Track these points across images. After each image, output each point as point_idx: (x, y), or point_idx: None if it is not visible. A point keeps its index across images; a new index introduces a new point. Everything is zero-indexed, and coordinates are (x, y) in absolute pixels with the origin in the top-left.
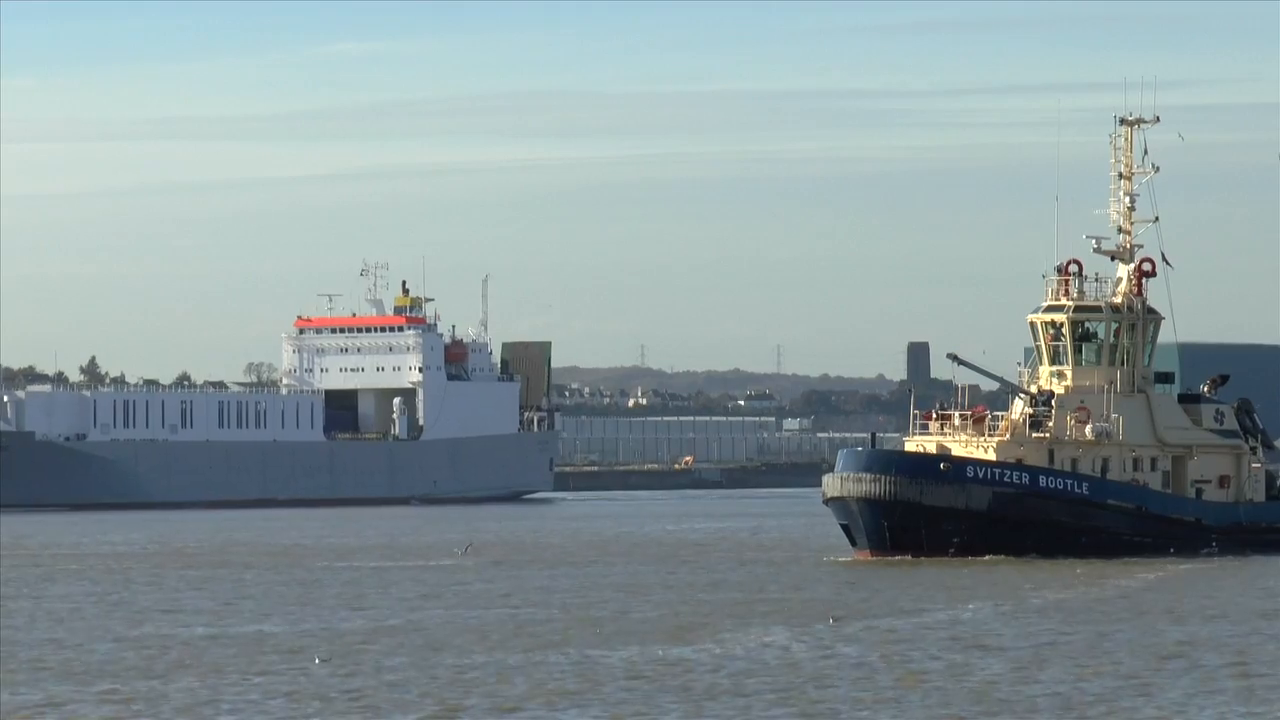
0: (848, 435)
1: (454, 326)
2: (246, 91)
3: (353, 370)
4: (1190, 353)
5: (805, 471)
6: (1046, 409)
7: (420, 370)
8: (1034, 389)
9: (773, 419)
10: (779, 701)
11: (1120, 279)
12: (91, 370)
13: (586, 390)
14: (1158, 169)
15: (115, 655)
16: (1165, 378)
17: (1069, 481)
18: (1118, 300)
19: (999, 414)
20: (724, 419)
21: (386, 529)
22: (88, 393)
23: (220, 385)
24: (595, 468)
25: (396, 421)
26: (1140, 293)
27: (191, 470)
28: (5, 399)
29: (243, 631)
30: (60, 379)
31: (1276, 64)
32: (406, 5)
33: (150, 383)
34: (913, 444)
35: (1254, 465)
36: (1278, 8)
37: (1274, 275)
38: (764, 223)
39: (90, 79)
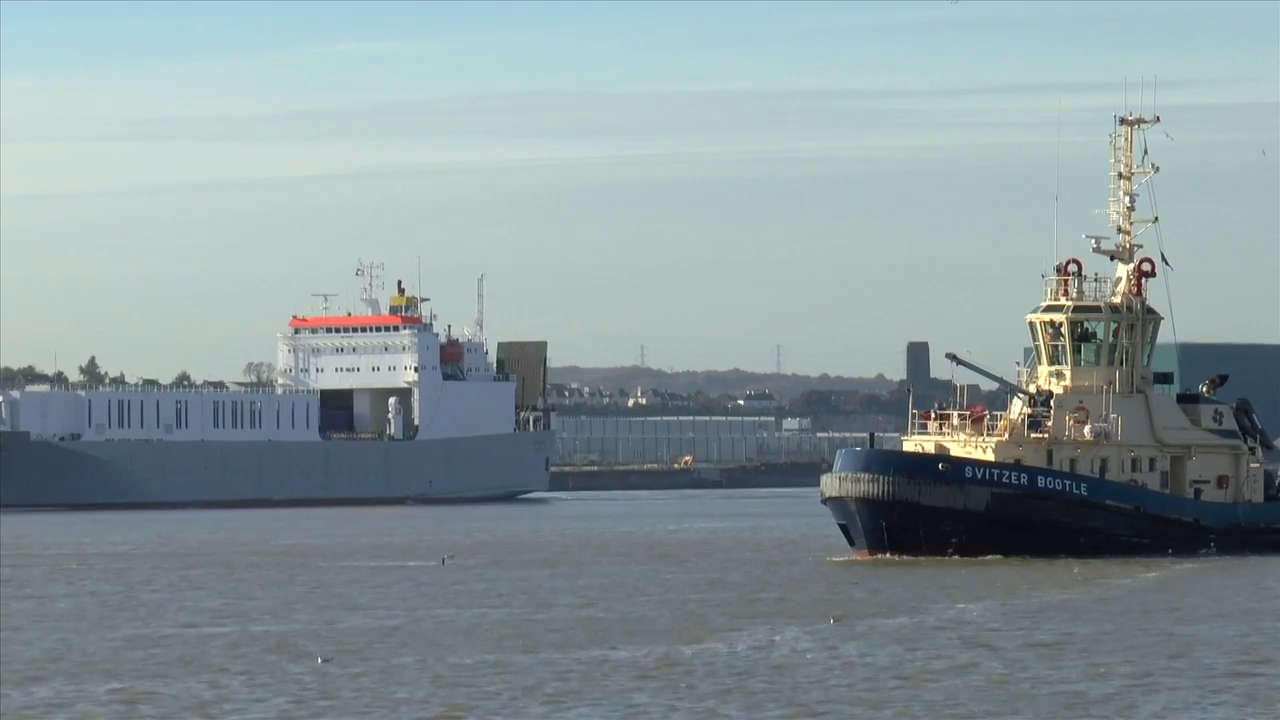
0: (847, 435)
1: (449, 326)
2: (246, 91)
3: (348, 370)
4: (1190, 353)
5: (805, 471)
6: (1045, 409)
7: (416, 370)
8: (1033, 389)
9: (772, 419)
10: (783, 701)
11: (1120, 279)
12: (91, 370)
13: (586, 390)
14: (1157, 169)
15: (117, 655)
16: (1164, 378)
17: (1067, 482)
18: (1117, 300)
19: (998, 414)
20: (723, 419)
21: (381, 529)
22: (82, 392)
23: (220, 385)
24: (595, 467)
25: (392, 421)
26: (1139, 293)
27: (186, 470)
28: (0, 399)
29: (244, 631)
30: (60, 379)
31: (1276, 64)
32: (407, 5)
33: (150, 382)
34: (911, 444)
35: (1252, 465)
36: (1278, 8)
37: (1273, 275)
38: (764, 223)
39: (90, 79)
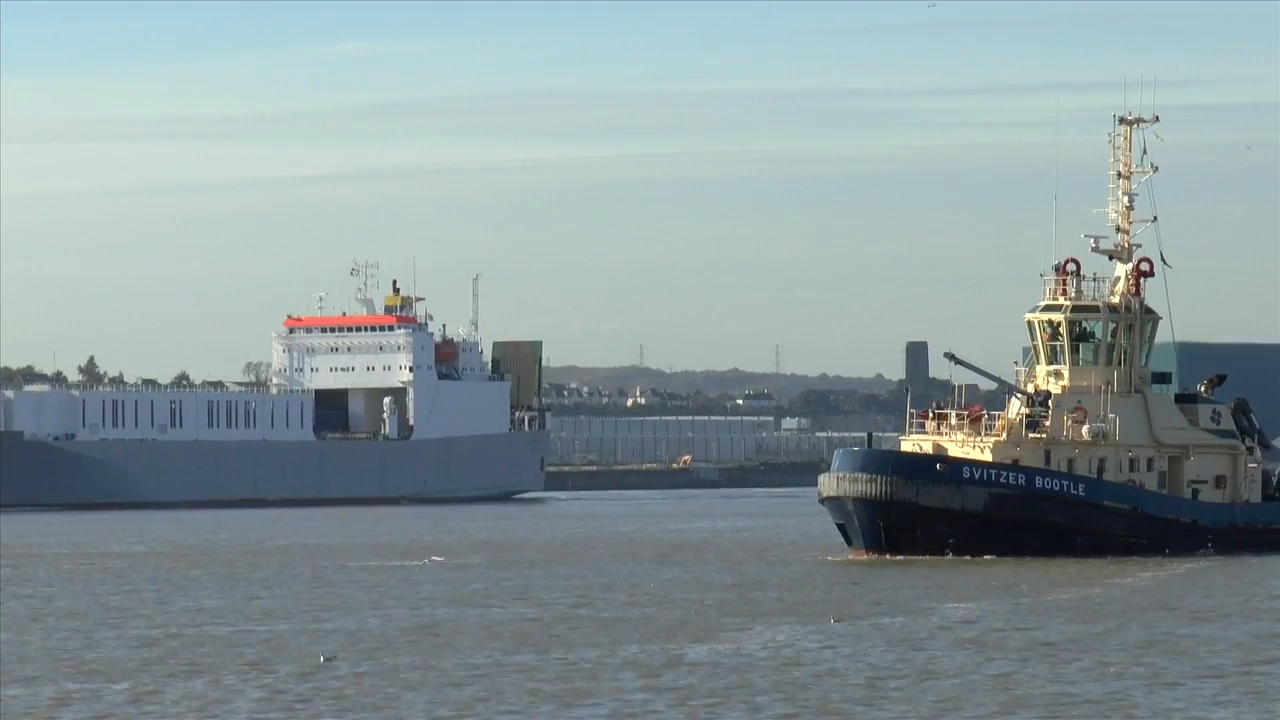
0: (846, 435)
1: (444, 326)
2: (246, 91)
3: (343, 370)
4: (1189, 352)
5: (803, 471)
6: (1043, 409)
7: (410, 370)
8: (1031, 388)
9: (771, 418)
10: (786, 700)
11: (1118, 279)
12: (90, 370)
13: (585, 390)
14: (1156, 168)
15: (119, 655)
16: (1162, 378)
17: (1065, 482)
18: (1115, 300)
19: (995, 413)
20: (722, 419)
21: (379, 529)
22: (76, 392)
23: (219, 385)
24: (594, 467)
25: (387, 421)
26: (1138, 292)
27: (181, 470)
28: None
29: (245, 630)
30: (58, 379)
31: (1276, 64)
32: (407, 5)
33: (149, 382)
34: (909, 443)
35: (1250, 465)
36: (1276, 8)
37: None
38: (763, 222)
39: (89, 79)
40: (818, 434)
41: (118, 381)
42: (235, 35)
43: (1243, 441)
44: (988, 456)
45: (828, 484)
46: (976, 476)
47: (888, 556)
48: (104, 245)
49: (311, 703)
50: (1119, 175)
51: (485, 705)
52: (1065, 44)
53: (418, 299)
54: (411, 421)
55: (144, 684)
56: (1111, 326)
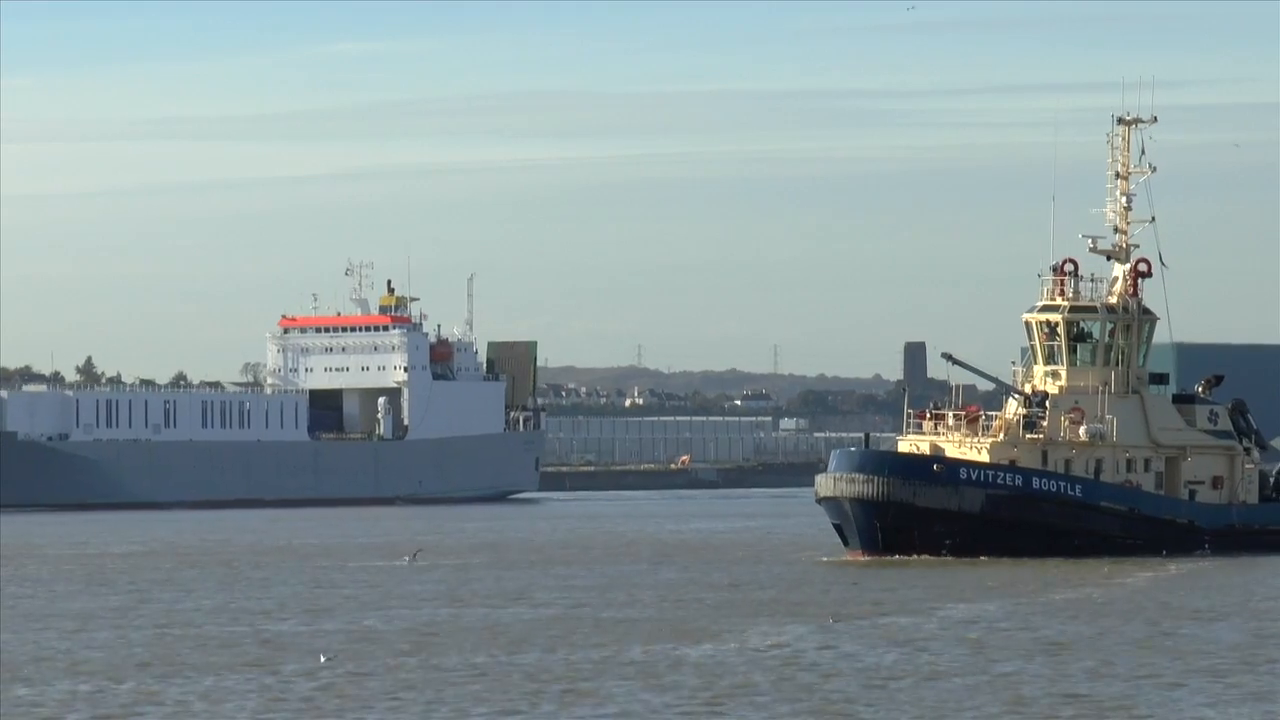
0: (844, 435)
1: (439, 326)
2: (245, 92)
3: (337, 370)
4: (1187, 353)
5: (801, 471)
6: (1040, 410)
7: (405, 370)
8: (1028, 389)
9: (769, 419)
10: (790, 700)
11: (1116, 279)
12: (88, 370)
13: (583, 390)
14: (1155, 169)
15: (119, 655)
16: (1160, 378)
17: (1062, 483)
18: (1113, 300)
19: (992, 414)
20: (720, 419)
21: (376, 530)
22: (70, 392)
23: (216, 385)
24: (592, 468)
25: (381, 421)
26: (1135, 293)
27: (175, 470)
28: None
29: (245, 631)
30: (56, 379)
31: (1275, 64)
32: (406, 5)
33: (146, 383)
34: (906, 444)
35: (1247, 466)
36: (1276, 8)
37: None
38: (761, 223)
39: (88, 79)
40: (816, 434)
41: (115, 382)
42: (234, 35)
43: (1240, 442)
44: (985, 457)
45: (825, 484)
46: (973, 477)
47: (884, 557)
48: (102, 245)
49: (313, 703)
50: (1117, 176)
51: (486, 706)
52: (1063, 44)
53: (412, 299)
54: (406, 422)
55: (142, 686)
56: (1109, 327)
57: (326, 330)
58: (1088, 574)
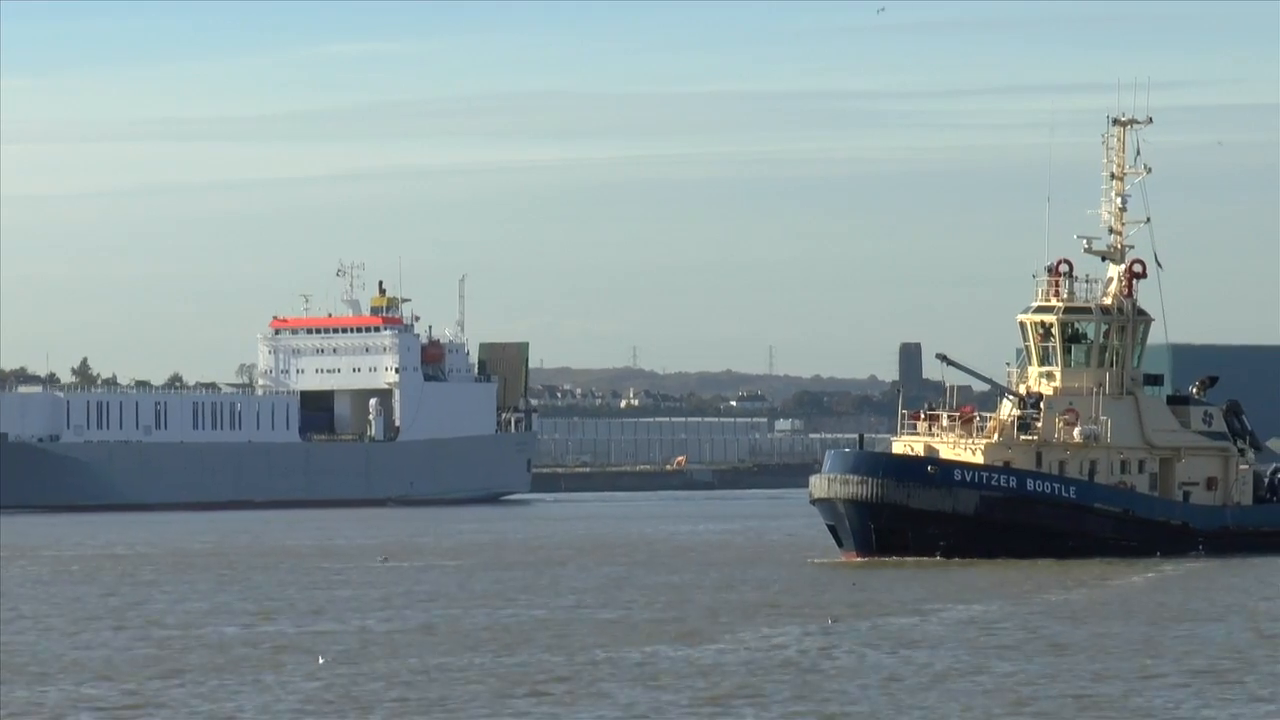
0: (839, 436)
1: (430, 327)
2: (242, 92)
3: (329, 371)
4: (1183, 354)
5: (797, 472)
6: (1035, 411)
7: (396, 371)
8: (1023, 390)
9: (765, 420)
10: (794, 700)
11: (1111, 280)
12: (83, 372)
13: (579, 391)
14: (1150, 169)
15: (119, 656)
16: (1154, 379)
17: (1056, 485)
18: (1108, 301)
19: (987, 415)
20: (716, 420)
21: (370, 531)
22: (61, 394)
23: (212, 386)
24: (587, 469)
25: (373, 422)
26: (1130, 294)
27: (165, 472)
28: None
29: (244, 632)
30: (51, 380)
31: (1271, 65)
32: (403, 6)
33: (142, 384)
34: (900, 444)
35: (1241, 467)
36: (1272, 8)
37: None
38: (756, 223)
39: (84, 80)
40: (811, 435)
41: (111, 383)
42: (230, 36)
43: (1234, 443)
44: (979, 458)
45: (819, 485)
46: (968, 479)
47: (879, 558)
48: (100, 246)
49: (312, 704)
50: (1112, 176)
51: (486, 707)
52: (1059, 45)
53: (404, 300)
54: (398, 423)
55: (142, 686)
56: (1104, 328)
57: (318, 331)
58: (1082, 575)
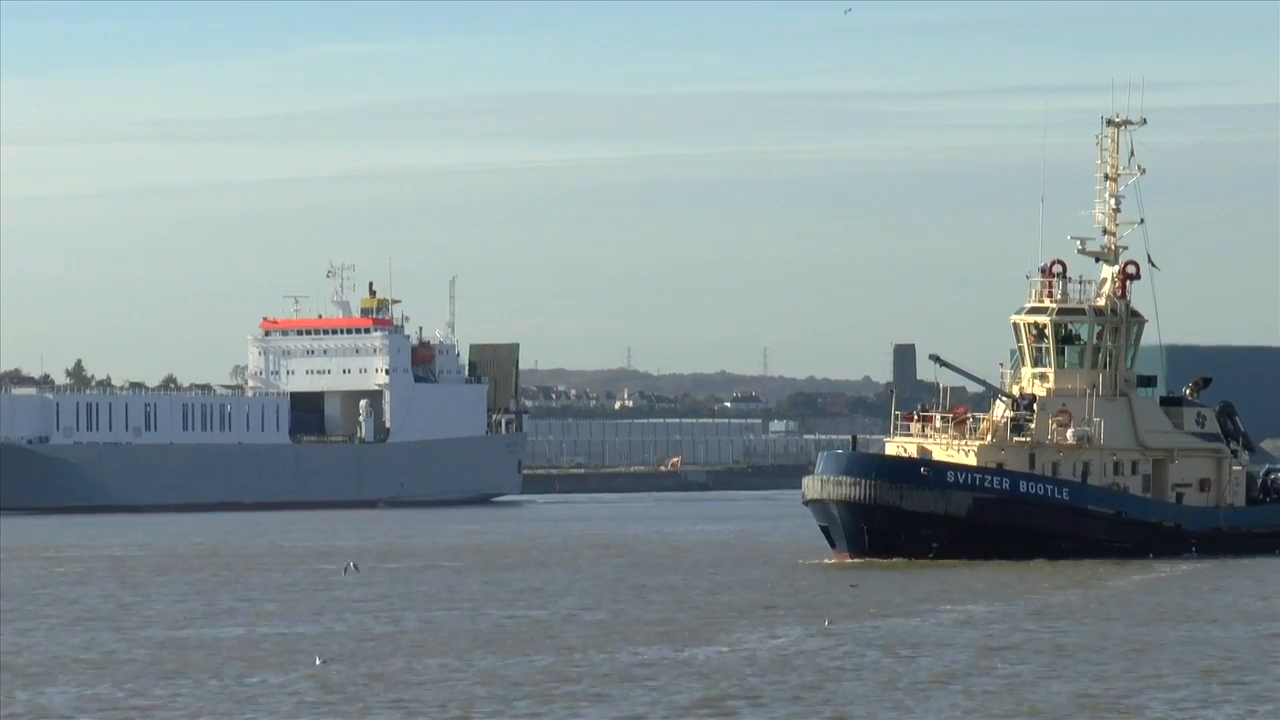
0: (834, 437)
1: (421, 328)
2: (235, 94)
3: (319, 372)
4: (1178, 355)
5: (791, 473)
6: (1028, 412)
7: (387, 372)
8: (1016, 390)
9: (759, 421)
10: (793, 701)
11: (1104, 281)
12: (78, 373)
13: (573, 392)
14: (1144, 170)
15: (119, 656)
16: (1147, 381)
17: (1049, 487)
18: (1101, 303)
19: (980, 415)
20: (710, 421)
21: (364, 533)
22: (50, 395)
23: (206, 388)
24: (581, 470)
25: (363, 424)
26: (1124, 295)
27: (155, 473)
28: None
29: (241, 633)
30: (45, 382)
31: (1265, 66)
32: (397, 6)
33: (136, 385)
34: (893, 445)
35: (1234, 469)
36: (1266, 9)
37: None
38: (751, 225)
39: (78, 81)
40: (805, 436)
41: (105, 385)
42: (224, 38)
43: (1228, 444)
44: (972, 460)
45: (812, 486)
46: (961, 480)
47: (873, 559)
48: (95, 247)
49: (312, 705)
50: (1106, 177)
51: (486, 707)
52: (1052, 46)
53: (394, 301)
54: (388, 424)
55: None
56: (1097, 329)
57: (308, 333)
58: (1077, 576)
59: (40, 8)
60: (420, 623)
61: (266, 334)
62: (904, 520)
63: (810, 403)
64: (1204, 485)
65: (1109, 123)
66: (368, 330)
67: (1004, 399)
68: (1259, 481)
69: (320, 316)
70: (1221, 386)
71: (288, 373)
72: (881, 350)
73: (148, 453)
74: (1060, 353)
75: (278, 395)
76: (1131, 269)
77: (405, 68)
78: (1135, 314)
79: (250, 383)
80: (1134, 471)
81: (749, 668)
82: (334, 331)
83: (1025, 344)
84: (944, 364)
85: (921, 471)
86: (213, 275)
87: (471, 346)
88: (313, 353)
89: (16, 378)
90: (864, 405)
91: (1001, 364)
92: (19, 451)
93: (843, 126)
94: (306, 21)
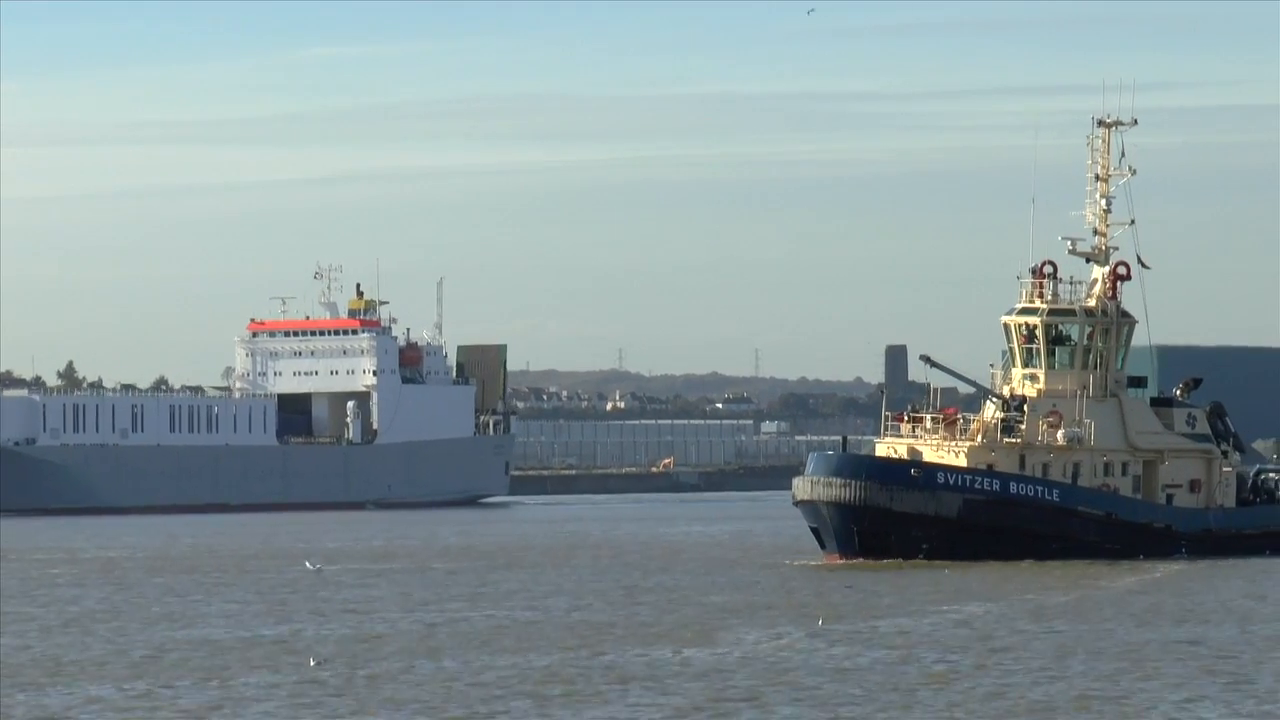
0: (825, 438)
1: (408, 330)
2: (228, 96)
3: (306, 374)
4: (1169, 355)
5: (783, 474)
6: (1019, 413)
7: (374, 373)
8: (1007, 391)
9: (750, 422)
10: (793, 703)
11: (1095, 281)
12: (69, 375)
13: (564, 393)
14: (1134, 171)
15: (119, 656)
16: (1138, 381)
17: (1039, 488)
18: (1091, 303)
19: (970, 416)
20: (702, 422)
21: (360, 535)
22: (38, 397)
23: (198, 390)
24: (573, 471)
25: (350, 425)
26: (1114, 295)
27: (142, 475)
28: None
29: (239, 634)
30: (37, 384)
31: (1257, 67)
32: (390, 8)
33: (127, 387)
34: (884, 446)
35: (1225, 469)
36: (1258, 11)
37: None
38: (742, 226)
39: (70, 84)
40: (797, 437)
41: (96, 386)
42: (214, 40)
43: (1218, 445)
44: (962, 461)
45: (802, 487)
46: (951, 482)
47: (863, 560)
48: (87, 249)
49: (310, 706)
50: (1096, 178)
51: (485, 708)
52: (1042, 47)
53: (382, 303)
54: (375, 426)
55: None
56: (1087, 330)
57: (295, 334)
58: (1069, 577)
59: (40, 8)
60: (419, 623)
61: (254, 335)
62: (894, 521)
63: (802, 404)
64: (1194, 486)
65: (1100, 123)
66: (355, 331)
67: (994, 400)
68: (1249, 482)
69: (308, 318)
70: (1212, 387)
71: (275, 374)
72: (873, 351)
73: (135, 454)
74: (1051, 353)
75: (265, 397)
76: (1122, 270)
77: (399, 69)
78: (1126, 315)
79: (238, 384)
80: (1124, 472)
81: (746, 668)
82: (321, 333)
83: (1016, 345)
84: (935, 365)
85: (912, 473)
86: (208, 276)
87: (459, 348)
88: (300, 354)
89: (8, 379)
90: (855, 406)
91: (992, 365)
92: (6, 453)
93: (834, 128)
94: (296, 24)
